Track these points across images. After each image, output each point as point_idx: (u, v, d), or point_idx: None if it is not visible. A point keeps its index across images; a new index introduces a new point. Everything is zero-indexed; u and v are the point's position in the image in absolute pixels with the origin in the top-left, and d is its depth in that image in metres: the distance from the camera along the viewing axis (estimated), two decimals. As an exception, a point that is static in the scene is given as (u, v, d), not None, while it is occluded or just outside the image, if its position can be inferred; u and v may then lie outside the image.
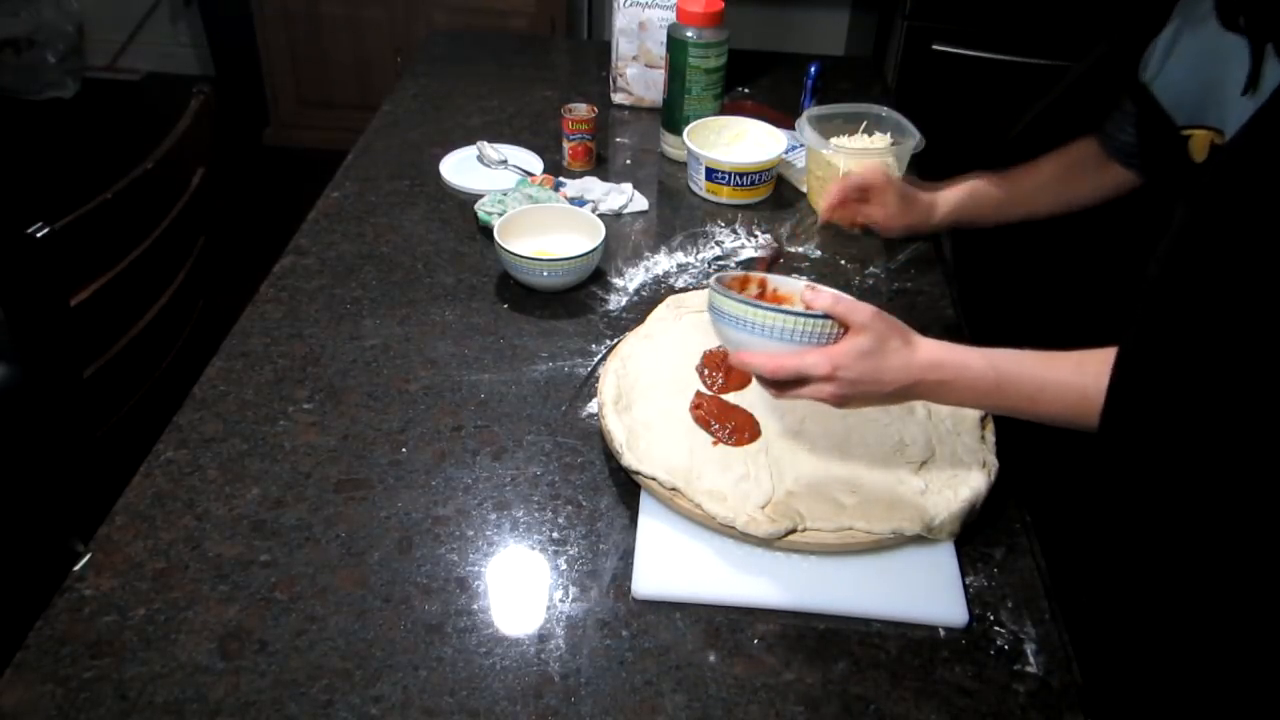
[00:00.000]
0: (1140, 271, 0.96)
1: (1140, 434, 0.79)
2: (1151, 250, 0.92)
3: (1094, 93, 1.16)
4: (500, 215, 1.28)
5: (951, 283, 1.32)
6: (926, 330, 1.15)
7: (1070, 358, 0.84)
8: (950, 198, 1.25)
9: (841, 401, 0.85)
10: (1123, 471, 0.88)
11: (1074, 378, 0.83)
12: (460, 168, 1.50)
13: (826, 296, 0.84)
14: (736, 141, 1.53)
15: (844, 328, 0.84)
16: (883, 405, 0.89)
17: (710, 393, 1.04)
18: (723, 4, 1.49)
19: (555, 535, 0.93)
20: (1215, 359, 0.74)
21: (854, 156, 1.37)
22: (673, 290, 1.27)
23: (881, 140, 1.43)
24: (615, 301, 1.25)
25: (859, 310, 0.83)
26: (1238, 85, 0.83)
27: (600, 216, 1.30)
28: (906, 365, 0.84)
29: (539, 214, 1.30)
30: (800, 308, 0.86)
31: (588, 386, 1.10)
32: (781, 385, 0.85)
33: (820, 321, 0.83)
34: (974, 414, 1.03)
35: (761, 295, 0.94)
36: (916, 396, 0.87)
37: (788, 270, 1.33)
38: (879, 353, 0.83)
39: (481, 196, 1.39)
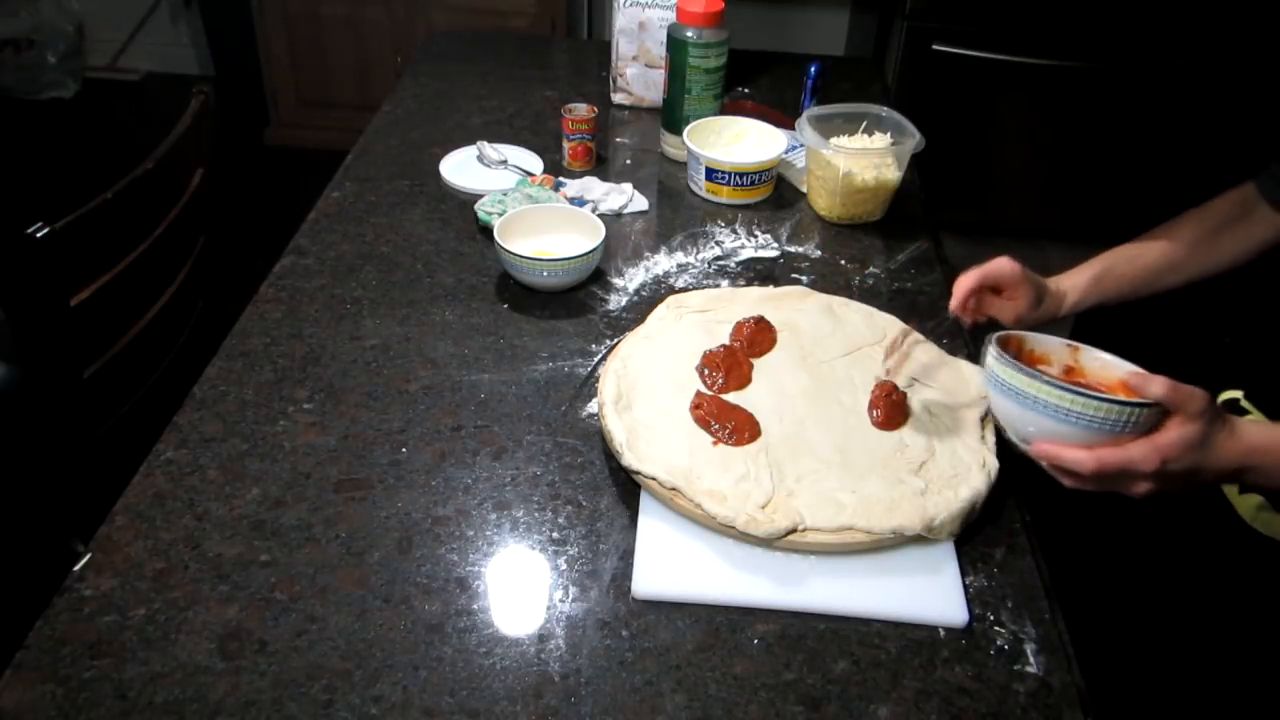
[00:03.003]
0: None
1: None
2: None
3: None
4: (500, 215, 1.28)
5: (952, 283, 1.31)
6: (924, 329, 1.16)
7: None
8: (1079, 283, 1.11)
9: (1150, 495, 0.79)
10: None
11: None
12: (460, 168, 1.50)
13: (1159, 385, 0.76)
14: (736, 141, 1.53)
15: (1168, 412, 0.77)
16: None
17: (710, 393, 1.04)
18: (723, 4, 1.49)
19: (555, 535, 0.93)
20: None
21: (854, 156, 1.37)
22: (673, 290, 1.27)
23: (881, 140, 1.43)
24: (615, 301, 1.25)
25: (1194, 399, 0.76)
26: None
27: (600, 216, 1.30)
28: (1228, 454, 0.78)
29: (539, 214, 1.30)
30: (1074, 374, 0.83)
31: (588, 386, 1.10)
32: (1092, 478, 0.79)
33: (1148, 410, 0.76)
34: (974, 414, 1.03)
35: (1020, 355, 0.89)
36: (1235, 480, 0.82)
37: (788, 271, 1.33)
38: (1208, 444, 0.77)
39: (481, 196, 1.39)
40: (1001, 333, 0.90)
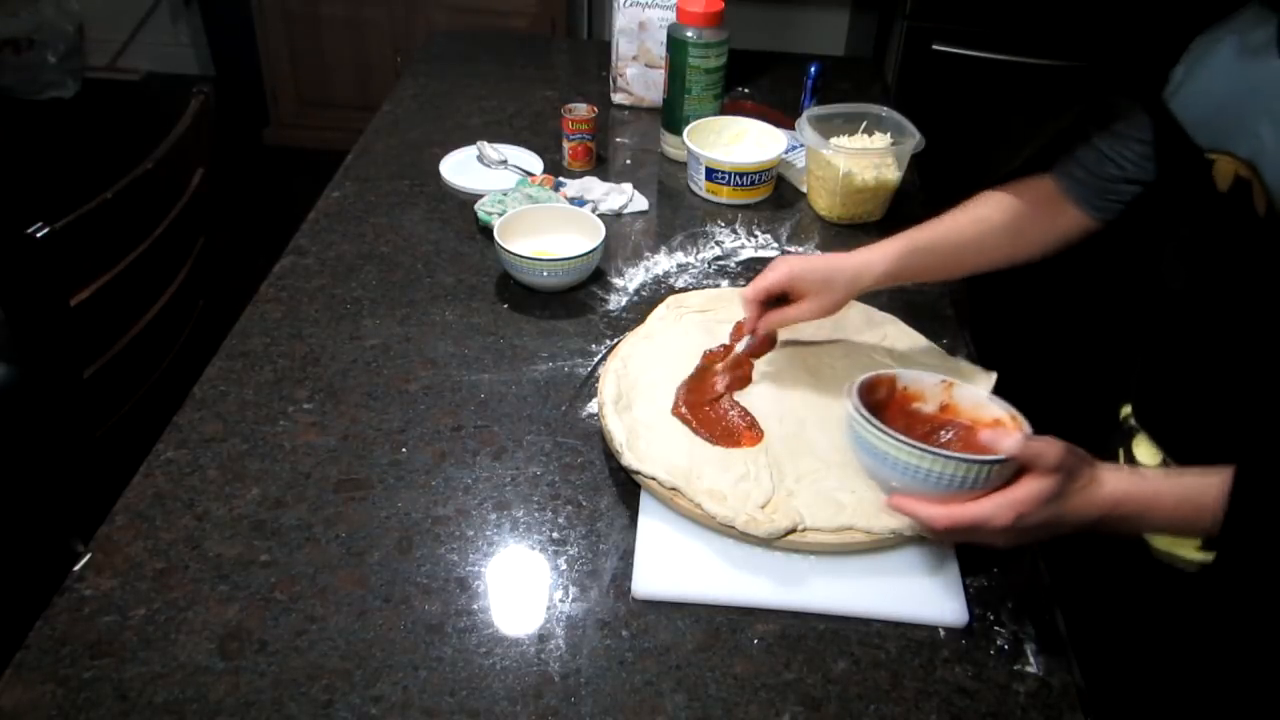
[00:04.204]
0: (1147, 278, 0.94)
1: (1257, 554, 0.75)
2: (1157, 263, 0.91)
3: (1098, 123, 0.99)
4: (500, 215, 1.28)
5: (950, 283, 1.31)
6: (924, 329, 1.16)
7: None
8: (882, 265, 1.03)
9: (1011, 545, 0.79)
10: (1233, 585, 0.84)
11: None
12: (460, 168, 1.50)
13: (1011, 441, 0.75)
14: (736, 141, 1.53)
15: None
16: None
17: (685, 401, 1.03)
18: (723, 4, 1.49)
19: (555, 535, 0.93)
20: None
21: (854, 156, 1.37)
22: (673, 290, 1.27)
23: (881, 140, 1.43)
24: (615, 301, 1.25)
25: (1049, 453, 0.75)
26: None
27: (600, 216, 1.30)
28: (1090, 505, 0.77)
29: (539, 214, 1.30)
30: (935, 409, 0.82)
31: (588, 386, 1.10)
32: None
33: (1001, 466, 0.75)
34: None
35: (891, 395, 0.89)
36: (1096, 529, 0.79)
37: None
38: (1064, 497, 0.75)
39: (481, 196, 1.39)
40: (870, 375, 0.88)
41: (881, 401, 0.89)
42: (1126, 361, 1.05)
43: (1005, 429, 0.78)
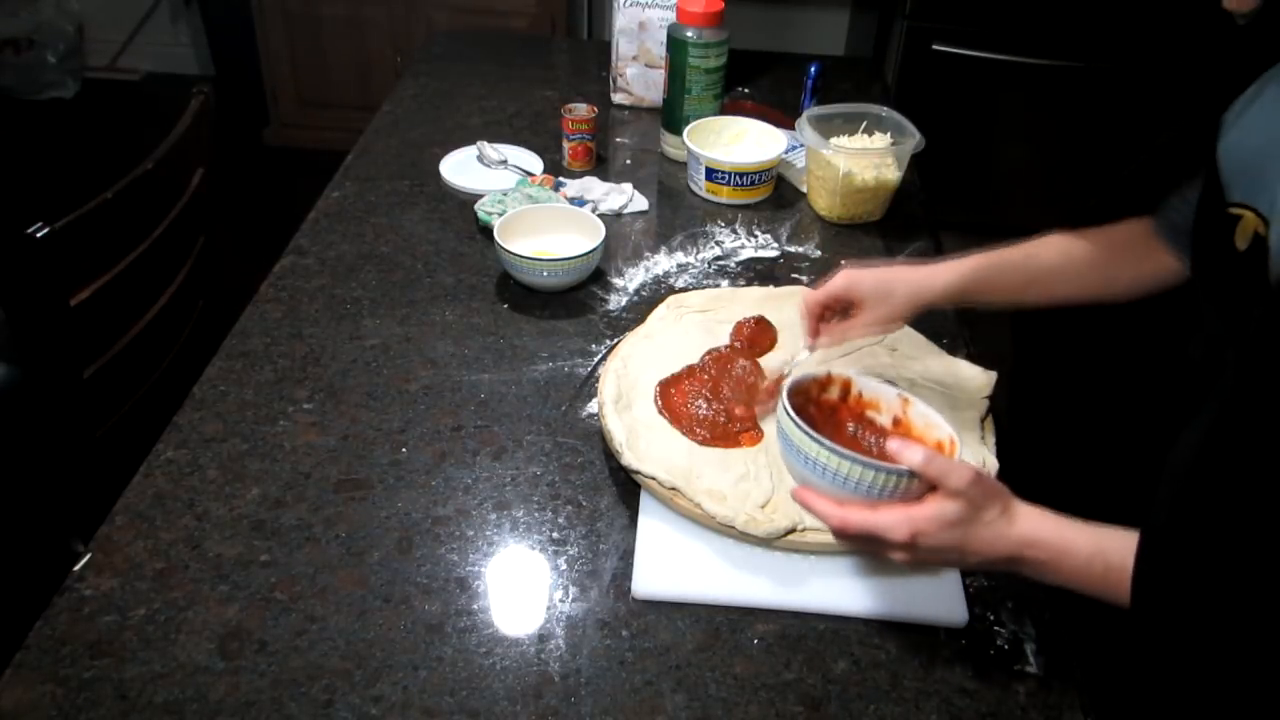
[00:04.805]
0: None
1: (1170, 614, 0.72)
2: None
3: (1173, 165, 0.94)
4: (500, 215, 1.28)
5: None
6: (924, 329, 1.16)
7: None
8: (948, 277, 0.99)
9: (913, 566, 0.75)
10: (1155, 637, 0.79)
11: None
12: (460, 168, 1.50)
13: (917, 454, 0.72)
14: (736, 141, 1.53)
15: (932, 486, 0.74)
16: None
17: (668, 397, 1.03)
18: (723, 4, 1.49)
19: (555, 535, 0.93)
20: (1253, 548, 0.66)
21: (854, 156, 1.37)
22: (673, 290, 1.27)
23: (881, 140, 1.43)
24: (615, 301, 1.25)
25: (954, 474, 0.71)
26: None
27: (600, 216, 1.30)
28: (997, 540, 0.73)
29: (539, 214, 1.30)
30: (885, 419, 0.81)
31: (588, 386, 1.10)
32: (846, 534, 0.76)
33: (909, 479, 0.73)
34: (973, 415, 1.03)
35: (845, 398, 0.89)
36: (1007, 570, 0.76)
37: (788, 271, 1.33)
38: (969, 523, 0.72)
39: (481, 196, 1.39)
40: (823, 372, 0.87)
41: (834, 402, 0.90)
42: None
43: (915, 444, 0.74)
